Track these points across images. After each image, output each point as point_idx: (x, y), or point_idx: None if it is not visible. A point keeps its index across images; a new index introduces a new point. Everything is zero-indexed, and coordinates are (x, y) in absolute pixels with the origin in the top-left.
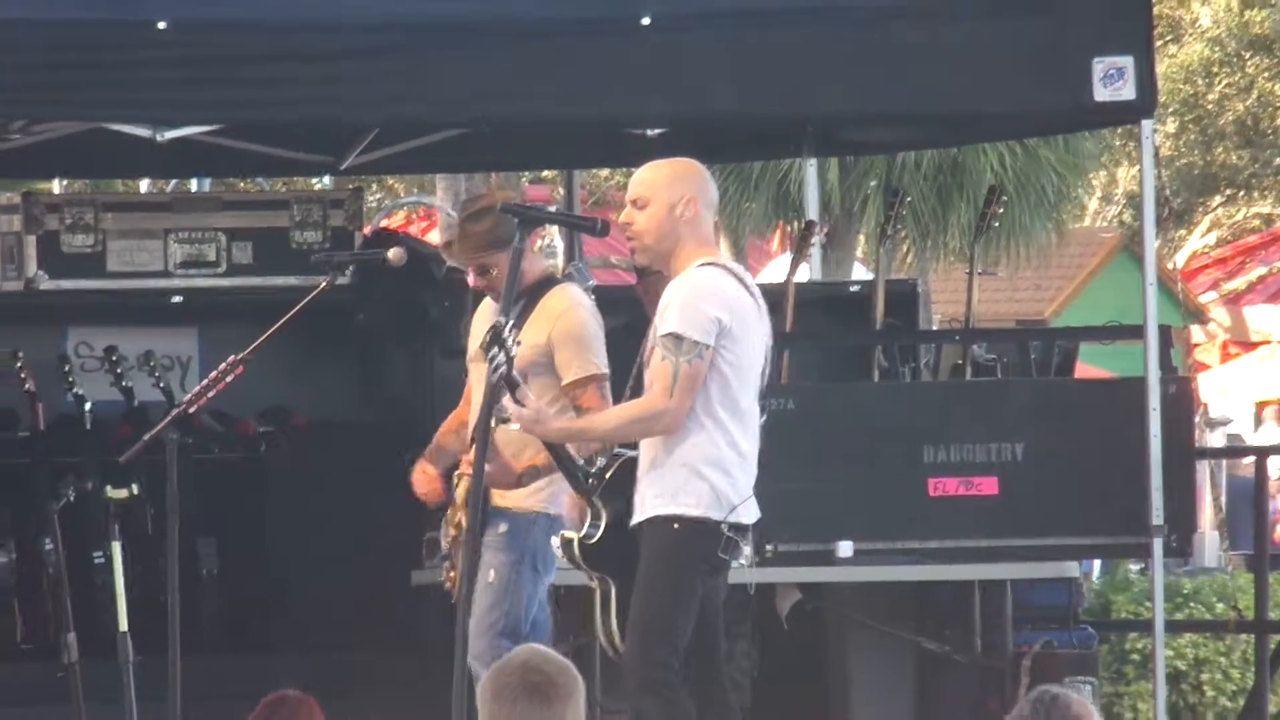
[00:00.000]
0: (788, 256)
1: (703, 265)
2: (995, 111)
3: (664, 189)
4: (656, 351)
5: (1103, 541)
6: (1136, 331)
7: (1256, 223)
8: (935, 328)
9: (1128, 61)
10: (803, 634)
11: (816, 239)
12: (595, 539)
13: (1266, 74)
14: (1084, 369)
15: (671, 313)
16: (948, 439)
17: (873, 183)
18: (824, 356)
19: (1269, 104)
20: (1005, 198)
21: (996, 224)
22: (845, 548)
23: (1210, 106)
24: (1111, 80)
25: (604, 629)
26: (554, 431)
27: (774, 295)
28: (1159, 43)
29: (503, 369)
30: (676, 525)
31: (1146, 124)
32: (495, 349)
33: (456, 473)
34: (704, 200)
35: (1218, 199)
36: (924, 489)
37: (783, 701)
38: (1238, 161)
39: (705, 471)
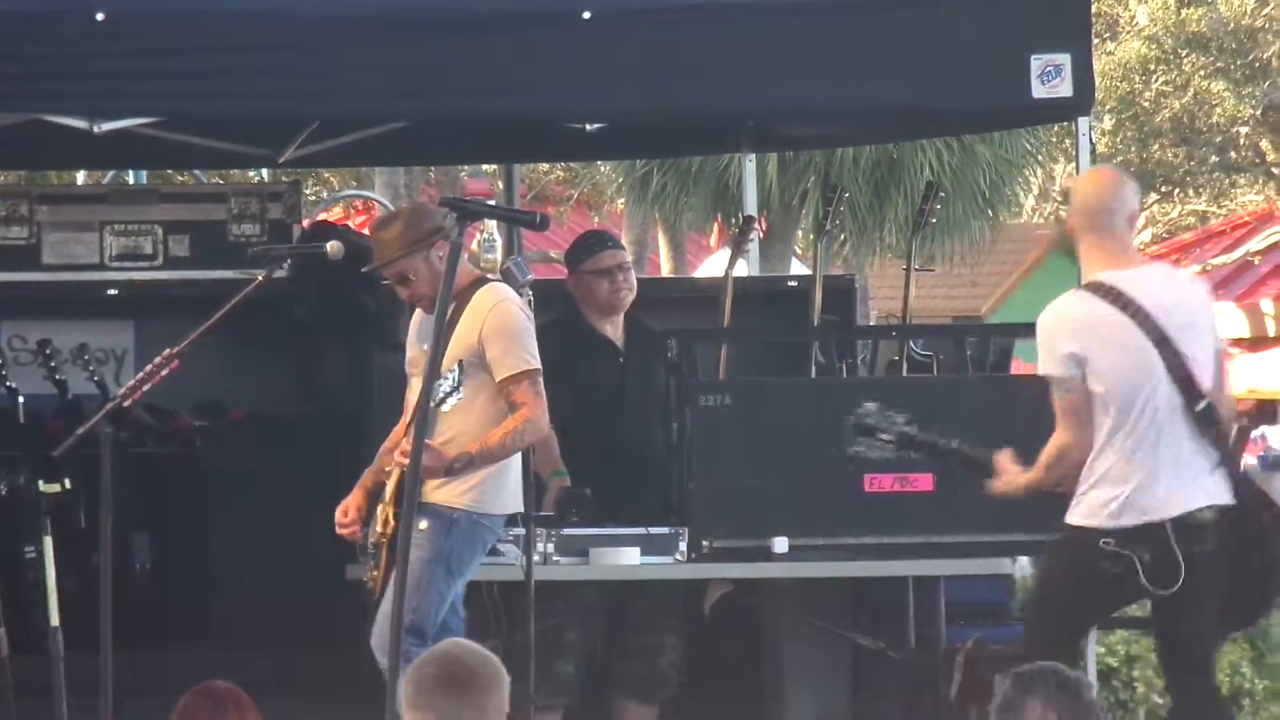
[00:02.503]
0: (726, 251)
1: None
2: (933, 108)
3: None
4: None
5: (1037, 538)
6: None
7: (1191, 220)
8: (872, 324)
9: (1065, 59)
10: (738, 630)
11: (755, 234)
12: None
13: (1203, 72)
14: (1020, 365)
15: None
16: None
17: (811, 178)
18: (761, 352)
19: (1205, 102)
20: (942, 194)
21: (934, 220)
22: (781, 543)
23: (1147, 104)
24: (1049, 77)
25: None
26: None
27: (712, 290)
28: (1096, 40)
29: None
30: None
31: (1083, 121)
32: None
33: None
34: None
35: (1153, 196)
36: (860, 485)
37: (718, 697)
38: (1173, 159)
39: None
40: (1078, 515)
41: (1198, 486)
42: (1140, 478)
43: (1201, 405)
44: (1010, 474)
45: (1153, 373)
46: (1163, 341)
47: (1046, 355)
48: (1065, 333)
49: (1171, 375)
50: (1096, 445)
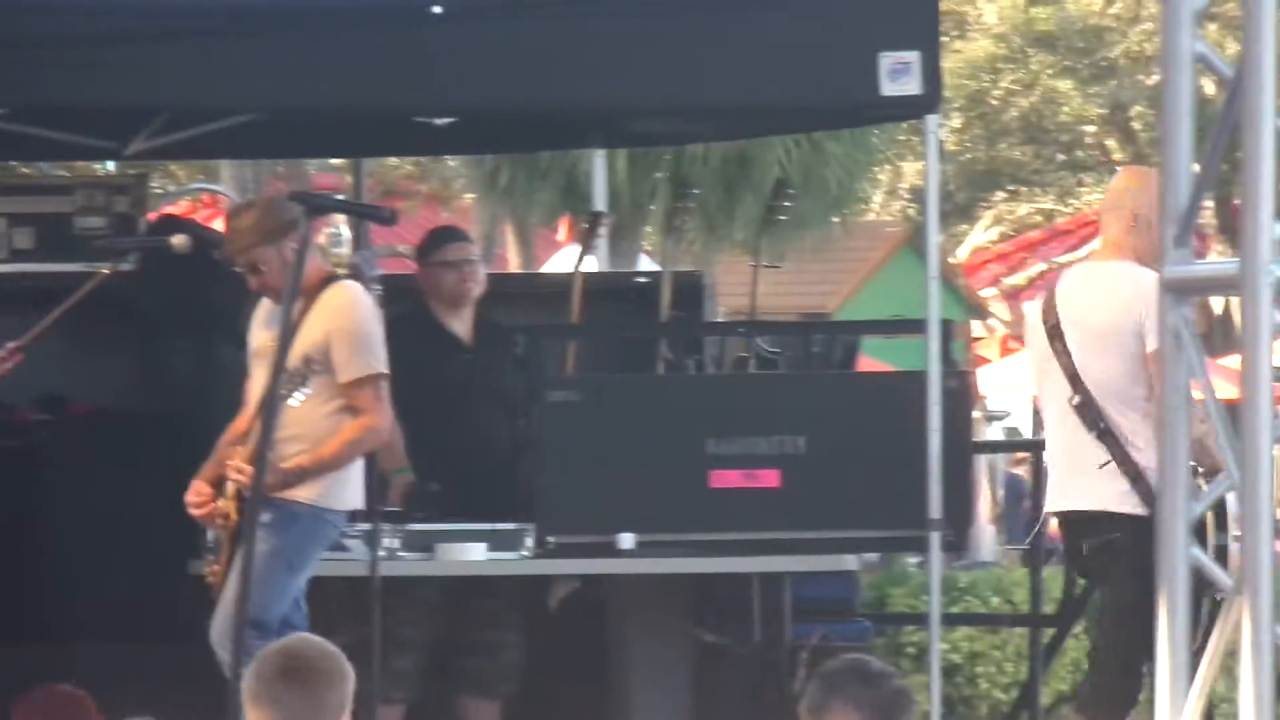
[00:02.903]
0: (575, 247)
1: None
2: (783, 105)
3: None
4: None
5: (882, 535)
6: (918, 326)
7: (1038, 218)
8: (720, 320)
9: (914, 56)
10: (583, 626)
11: (604, 230)
12: None
13: (1050, 71)
14: (867, 362)
15: None
16: (731, 431)
17: (660, 175)
18: (609, 348)
19: (1053, 101)
20: (792, 191)
21: (783, 217)
22: (626, 539)
23: (995, 102)
24: (898, 75)
25: None
26: None
27: (560, 285)
28: (945, 38)
29: None
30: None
31: (932, 119)
32: None
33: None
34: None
35: (1000, 194)
36: (706, 481)
37: (562, 694)
38: (1021, 157)
39: None
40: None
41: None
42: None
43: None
44: None
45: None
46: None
47: None
48: None
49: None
50: None
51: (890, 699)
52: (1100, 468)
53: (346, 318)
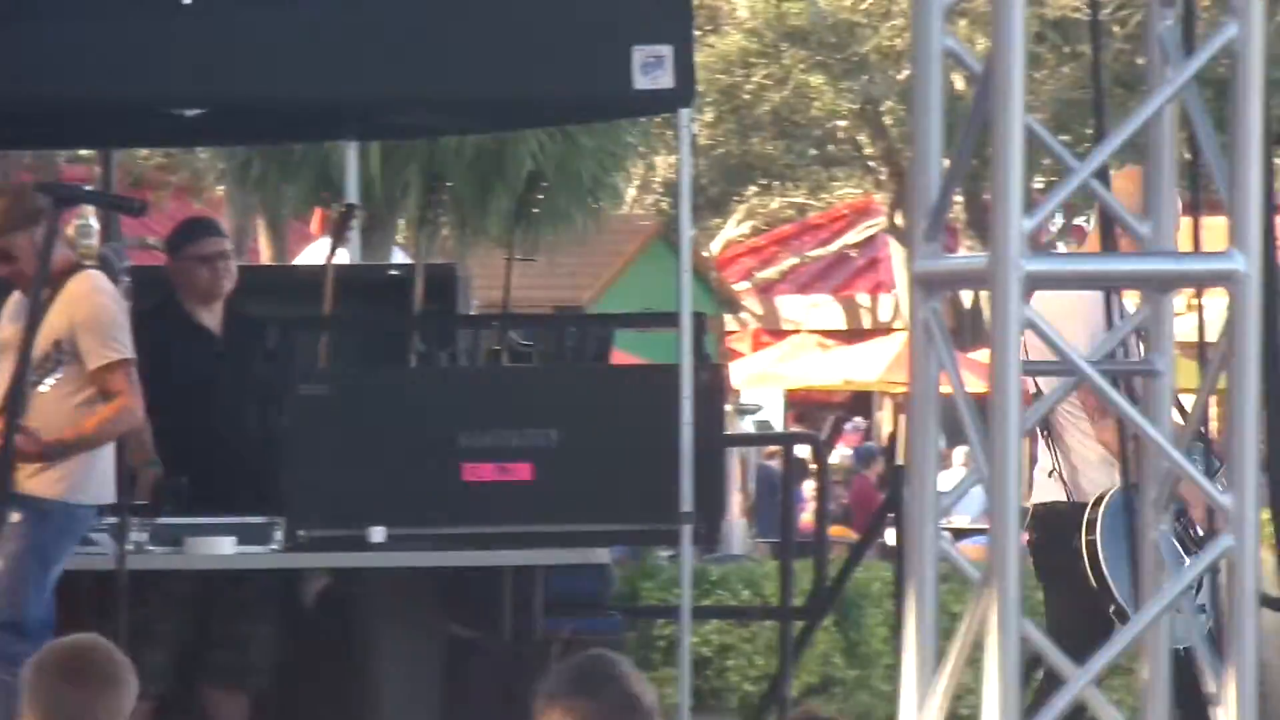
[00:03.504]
0: (327, 240)
1: None
2: (536, 98)
3: None
4: None
5: (634, 528)
6: (671, 319)
7: (790, 213)
8: (474, 313)
9: (667, 51)
10: (336, 620)
11: (356, 222)
12: None
13: (802, 65)
14: (620, 356)
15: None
16: (483, 424)
17: (413, 167)
18: (362, 341)
19: (804, 95)
20: (545, 184)
21: (536, 210)
22: (378, 533)
23: (748, 97)
24: (651, 69)
25: None
26: None
27: (312, 278)
28: (698, 33)
29: None
30: None
31: (684, 113)
32: None
33: None
34: None
35: (753, 188)
36: (458, 474)
37: (313, 688)
38: (773, 152)
39: None
40: None
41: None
42: None
43: None
44: None
45: None
46: None
47: None
48: None
49: None
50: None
51: (614, 707)
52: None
53: (90, 305)
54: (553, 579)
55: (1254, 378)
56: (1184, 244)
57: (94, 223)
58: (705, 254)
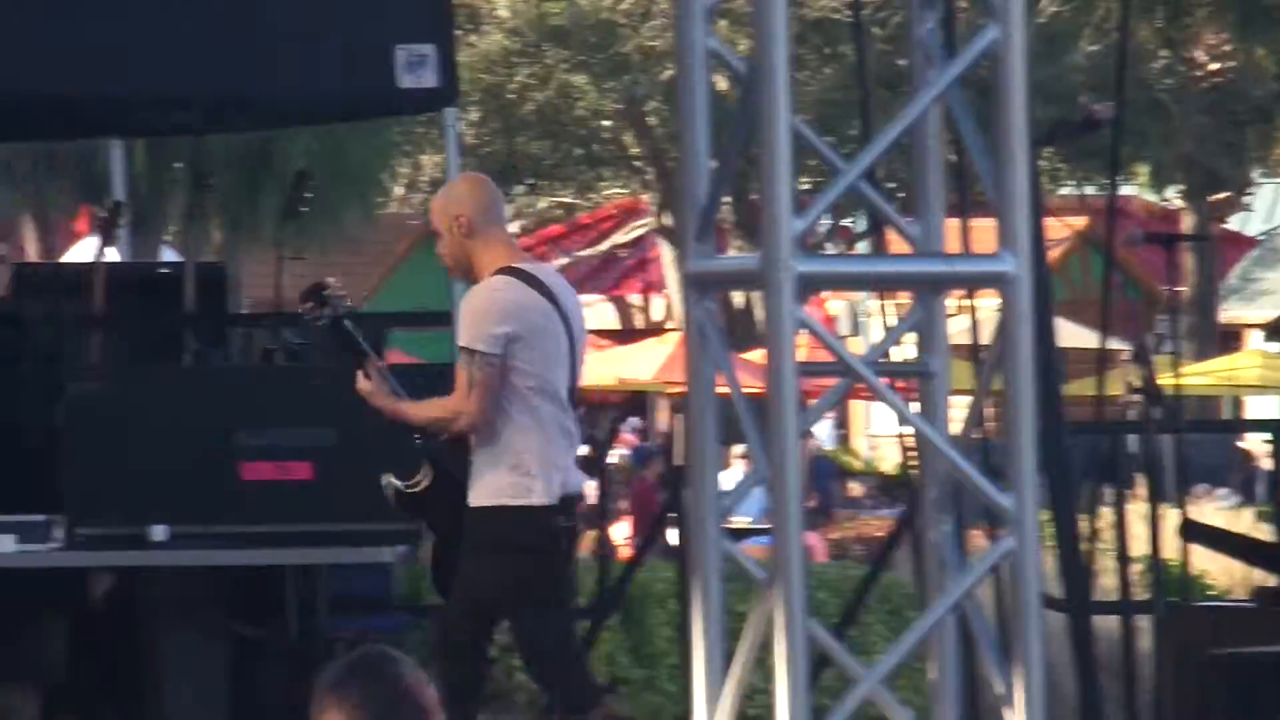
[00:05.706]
0: (96, 237)
1: (494, 275)
2: (297, 97)
3: (439, 215)
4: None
5: (414, 528)
6: (443, 318)
7: (559, 212)
8: (245, 312)
9: (430, 49)
10: (122, 618)
11: (124, 220)
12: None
13: (565, 65)
14: (395, 355)
15: (461, 326)
16: (261, 424)
17: (179, 165)
18: (135, 339)
19: (569, 95)
20: (314, 182)
21: (305, 209)
22: (159, 531)
23: (512, 96)
24: (414, 68)
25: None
26: (379, 407)
27: (82, 276)
28: (460, 32)
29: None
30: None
31: (450, 112)
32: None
33: None
34: (474, 212)
35: (520, 188)
36: (237, 473)
37: (99, 686)
38: (539, 152)
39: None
40: (518, 497)
41: (573, 471)
42: (561, 459)
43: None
44: (380, 393)
45: (565, 365)
46: (571, 339)
47: (475, 331)
48: (498, 313)
49: (571, 372)
50: (519, 426)
51: (386, 701)
52: None
53: None
54: (339, 578)
55: (1029, 379)
56: (954, 245)
57: None
58: None
